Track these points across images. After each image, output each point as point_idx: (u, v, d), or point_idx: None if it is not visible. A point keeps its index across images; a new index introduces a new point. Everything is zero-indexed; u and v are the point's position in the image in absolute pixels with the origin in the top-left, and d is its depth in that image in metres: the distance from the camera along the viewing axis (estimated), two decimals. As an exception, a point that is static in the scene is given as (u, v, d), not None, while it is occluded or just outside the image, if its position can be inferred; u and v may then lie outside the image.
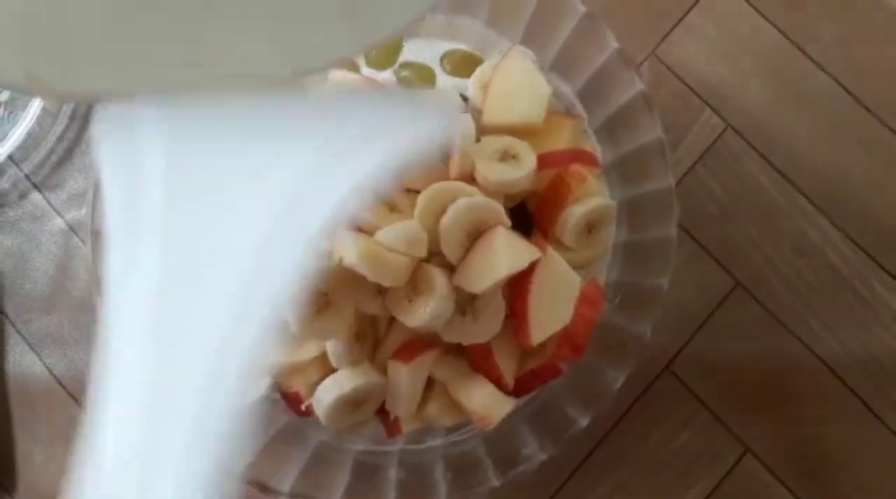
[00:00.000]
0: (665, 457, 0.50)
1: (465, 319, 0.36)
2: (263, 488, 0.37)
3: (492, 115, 0.39)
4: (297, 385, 0.38)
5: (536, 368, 0.38)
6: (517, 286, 0.36)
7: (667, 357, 0.51)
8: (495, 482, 0.37)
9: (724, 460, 0.50)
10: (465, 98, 0.41)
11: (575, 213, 0.37)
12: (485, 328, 0.36)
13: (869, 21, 0.54)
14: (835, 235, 0.52)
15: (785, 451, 0.50)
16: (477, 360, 0.37)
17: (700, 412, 0.50)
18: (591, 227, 0.39)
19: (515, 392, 0.38)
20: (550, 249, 0.37)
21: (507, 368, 0.37)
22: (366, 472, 0.39)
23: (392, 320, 0.37)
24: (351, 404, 0.37)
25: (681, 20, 0.54)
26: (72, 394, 0.51)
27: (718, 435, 0.50)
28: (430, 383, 0.38)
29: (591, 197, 0.38)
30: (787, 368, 0.51)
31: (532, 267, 0.36)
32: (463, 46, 0.43)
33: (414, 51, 0.43)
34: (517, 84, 0.39)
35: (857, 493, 0.50)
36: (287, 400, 0.39)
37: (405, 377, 0.36)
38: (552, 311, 0.37)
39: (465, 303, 0.36)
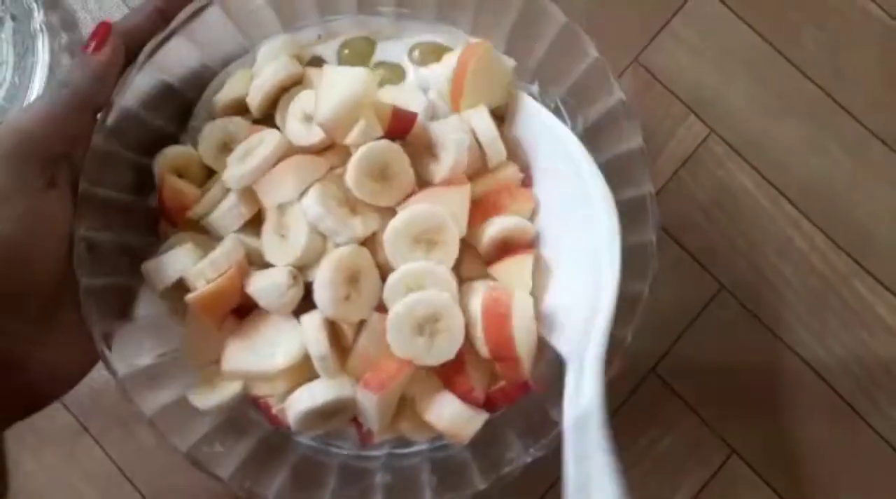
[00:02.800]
0: (652, 459, 0.51)
1: (423, 340, 0.36)
2: (250, 493, 0.37)
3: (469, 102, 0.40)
4: (266, 394, 0.39)
5: (505, 387, 0.39)
6: (494, 329, 0.36)
7: (652, 360, 0.51)
8: (481, 485, 0.37)
9: (710, 461, 0.51)
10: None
11: (492, 228, 0.38)
12: (444, 348, 0.36)
13: (851, 27, 0.55)
14: (819, 239, 0.53)
15: (770, 452, 0.51)
16: (448, 374, 0.38)
17: (686, 415, 0.51)
18: (506, 244, 0.39)
19: (486, 406, 0.38)
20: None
21: (479, 381, 0.38)
22: (352, 476, 0.40)
23: (359, 328, 0.38)
24: (322, 415, 0.37)
25: (664, 27, 0.55)
26: (61, 401, 0.51)
27: (704, 437, 0.51)
28: (402, 400, 0.38)
29: (512, 215, 0.39)
30: (772, 370, 0.51)
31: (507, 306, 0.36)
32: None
33: (387, 51, 0.43)
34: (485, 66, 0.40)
35: (842, 493, 0.50)
36: (258, 407, 0.40)
37: (375, 405, 0.36)
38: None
39: (425, 322, 0.36)
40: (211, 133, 0.40)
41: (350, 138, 0.37)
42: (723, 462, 0.50)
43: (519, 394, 0.39)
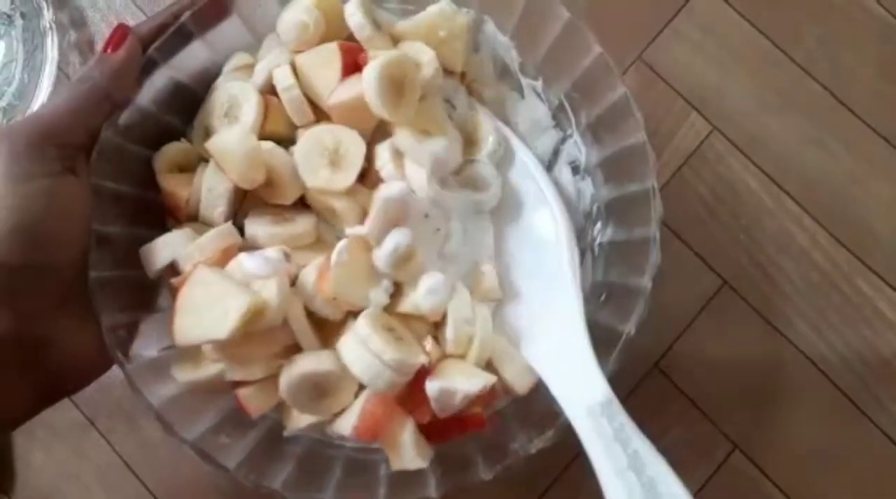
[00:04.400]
0: (654, 454, 0.51)
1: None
2: (256, 484, 0.37)
3: None
4: (241, 377, 0.38)
5: (461, 415, 0.38)
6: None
7: (655, 355, 0.52)
8: (485, 477, 0.37)
9: (713, 456, 0.51)
10: None
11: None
12: None
13: (851, 25, 0.55)
14: (820, 235, 0.53)
15: (773, 447, 0.51)
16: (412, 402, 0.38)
17: (689, 410, 0.51)
18: None
19: (438, 436, 0.39)
20: None
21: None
22: (357, 468, 0.40)
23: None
24: (312, 392, 0.37)
25: (667, 25, 0.55)
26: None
27: (707, 432, 0.51)
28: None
29: None
30: (775, 365, 0.52)
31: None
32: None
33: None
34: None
35: (845, 488, 0.50)
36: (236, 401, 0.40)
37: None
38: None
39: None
40: (200, 121, 0.41)
41: None
42: (725, 457, 0.51)
43: (473, 427, 0.39)
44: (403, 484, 0.39)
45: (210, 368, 0.38)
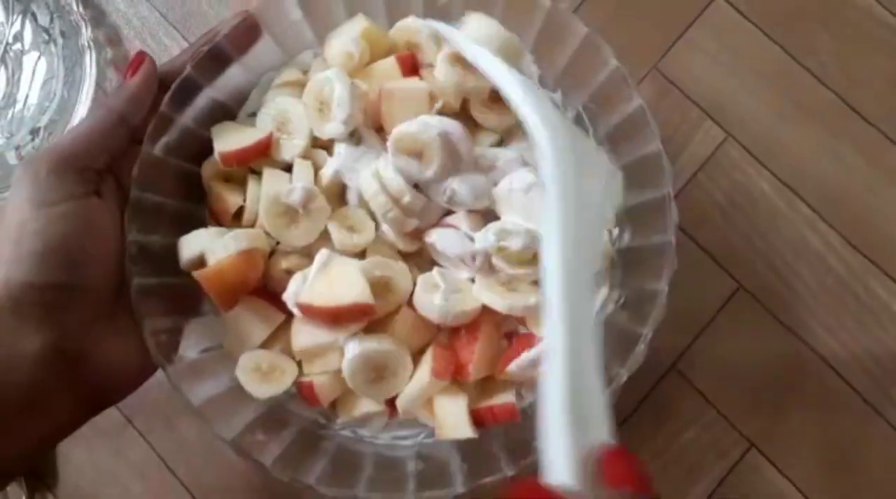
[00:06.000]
0: (672, 453, 0.52)
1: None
2: (292, 479, 0.39)
3: None
4: (318, 370, 0.41)
5: (494, 407, 0.41)
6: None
7: (673, 357, 0.53)
8: (509, 472, 0.39)
9: (729, 455, 0.52)
10: None
11: None
12: None
13: (864, 34, 0.56)
14: (835, 239, 0.54)
15: (788, 446, 0.52)
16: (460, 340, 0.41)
17: (706, 409, 0.52)
18: None
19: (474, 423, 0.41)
20: None
21: (482, 356, 0.41)
22: (386, 465, 0.42)
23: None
24: (371, 369, 0.40)
25: (682, 35, 0.57)
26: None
27: (723, 431, 0.52)
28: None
29: None
30: (790, 366, 0.53)
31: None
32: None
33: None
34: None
35: (860, 486, 0.51)
36: (301, 390, 0.42)
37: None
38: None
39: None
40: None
41: None
42: (741, 456, 0.52)
43: (504, 417, 0.42)
44: (431, 479, 0.40)
45: (282, 382, 0.42)
